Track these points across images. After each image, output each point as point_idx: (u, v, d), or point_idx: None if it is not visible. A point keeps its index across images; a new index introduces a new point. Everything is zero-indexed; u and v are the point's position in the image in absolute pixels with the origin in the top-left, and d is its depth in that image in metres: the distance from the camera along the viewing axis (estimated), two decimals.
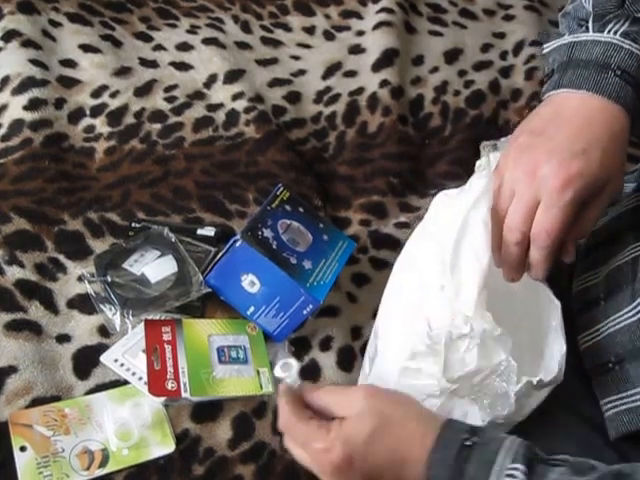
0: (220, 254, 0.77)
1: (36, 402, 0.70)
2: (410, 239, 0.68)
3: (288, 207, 0.82)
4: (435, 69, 1.18)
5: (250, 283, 0.76)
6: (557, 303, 0.64)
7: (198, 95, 1.06)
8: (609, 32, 0.62)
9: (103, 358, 0.74)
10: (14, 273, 0.79)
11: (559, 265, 0.67)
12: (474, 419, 0.60)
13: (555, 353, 0.62)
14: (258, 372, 0.75)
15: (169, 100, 1.04)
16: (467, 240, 0.62)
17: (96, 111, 1.01)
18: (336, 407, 0.56)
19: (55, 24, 1.10)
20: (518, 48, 1.22)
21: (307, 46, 1.19)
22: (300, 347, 0.79)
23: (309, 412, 0.56)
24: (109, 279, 0.78)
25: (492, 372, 0.59)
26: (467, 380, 0.60)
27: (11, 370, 0.72)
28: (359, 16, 1.25)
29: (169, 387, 0.71)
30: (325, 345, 0.80)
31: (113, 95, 1.03)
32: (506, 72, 1.19)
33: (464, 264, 0.61)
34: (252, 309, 0.77)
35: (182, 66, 1.10)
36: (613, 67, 0.61)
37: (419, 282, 0.64)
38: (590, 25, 0.63)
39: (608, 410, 0.63)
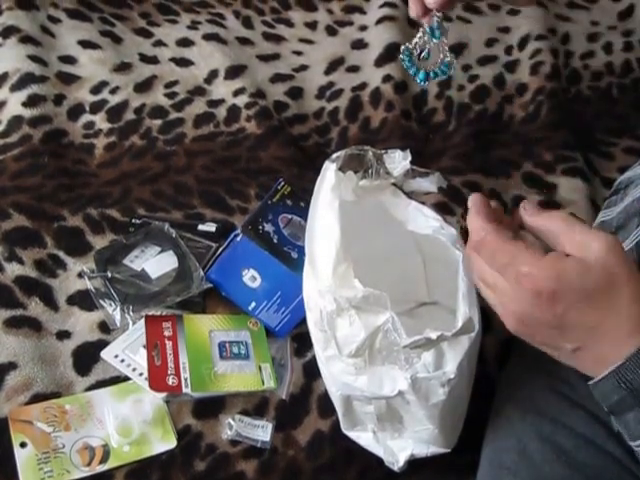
0: (221, 249, 0.76)
1: (36, 398, 0.70)
2: None
3: (289, 201, 0.81)
4: None
5: (251, 278, 0.75)
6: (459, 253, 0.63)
7: (199, 91, 1.05)
8: None
9: (103, 354, 0.74)
10: (14, 270, 0.79)
11: None
12: (401, 381, 0.60)
13: (461, 304, 0.61)
14: (260, 368, 0.75)
15: (169, 96, 1.04)
16: (318, 222, 0.63)
17: (96, 107, 1.00)
18: (565, 238, 0.50)
19: (54, 20, 1.09)
20: (523, 43, 1.20)
21: (309, 41, 1.18)
22: (302, 343, 0.78)
23: (509, 232, 0.51)
24: (109, 275, 0.78)
25: (380, 331, 0.59)
26: (368, 348, 0.60)
27: (11, 366, 0.71)
28: (361, 11, 1.24)
29: (170, 383, 0.70)
30: None
31: (113, 91, 1.02)
32: (511, 67, 1.17)
33: (316, 246, 0.63)
34: (253, 304, 0.77)
35: (182, 62, 1.09)
36: None
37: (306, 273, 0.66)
38: None
39: None
